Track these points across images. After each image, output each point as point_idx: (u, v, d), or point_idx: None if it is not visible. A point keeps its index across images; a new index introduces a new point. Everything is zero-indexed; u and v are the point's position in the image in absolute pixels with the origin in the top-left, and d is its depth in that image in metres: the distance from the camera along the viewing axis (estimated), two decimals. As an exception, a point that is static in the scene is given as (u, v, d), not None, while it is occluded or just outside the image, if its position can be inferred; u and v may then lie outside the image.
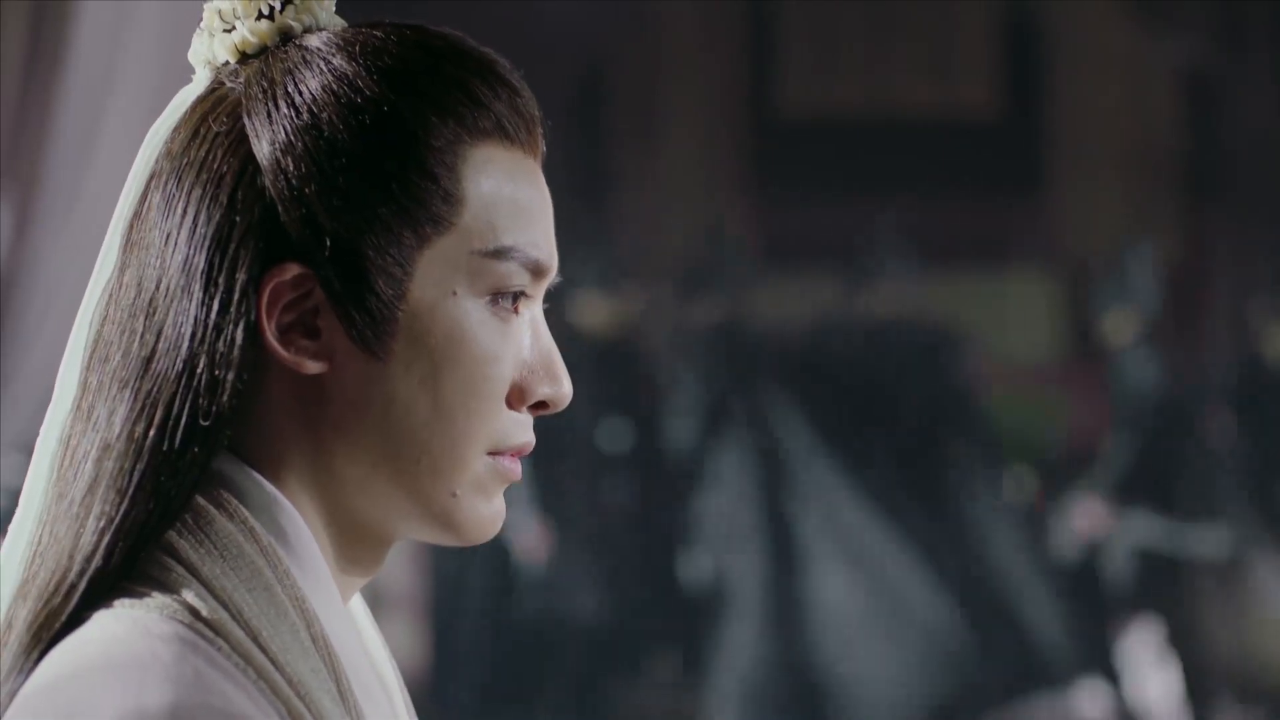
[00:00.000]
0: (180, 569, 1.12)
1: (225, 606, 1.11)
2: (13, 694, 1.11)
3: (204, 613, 1.10)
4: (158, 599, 1.11)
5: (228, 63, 1.22)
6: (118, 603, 1.11)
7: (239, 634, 1.10)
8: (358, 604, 1.27)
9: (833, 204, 13.34)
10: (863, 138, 13.29)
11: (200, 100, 1.21)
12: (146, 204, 1.19)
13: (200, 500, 1.14)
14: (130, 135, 5.32)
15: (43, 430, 1.21)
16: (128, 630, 1.09)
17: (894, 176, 13.21)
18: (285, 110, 1.17)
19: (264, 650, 1.11)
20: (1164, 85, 13.17)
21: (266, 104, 1.17)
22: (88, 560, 1.13)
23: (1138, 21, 12.97)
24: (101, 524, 1.14)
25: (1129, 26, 13.06)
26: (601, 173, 12.83)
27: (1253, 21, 12.23)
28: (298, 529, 1.17)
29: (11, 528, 1.20)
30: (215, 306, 1.15)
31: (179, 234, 1.17)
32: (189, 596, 1.11)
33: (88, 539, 1.14)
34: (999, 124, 13.33)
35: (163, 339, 1.16)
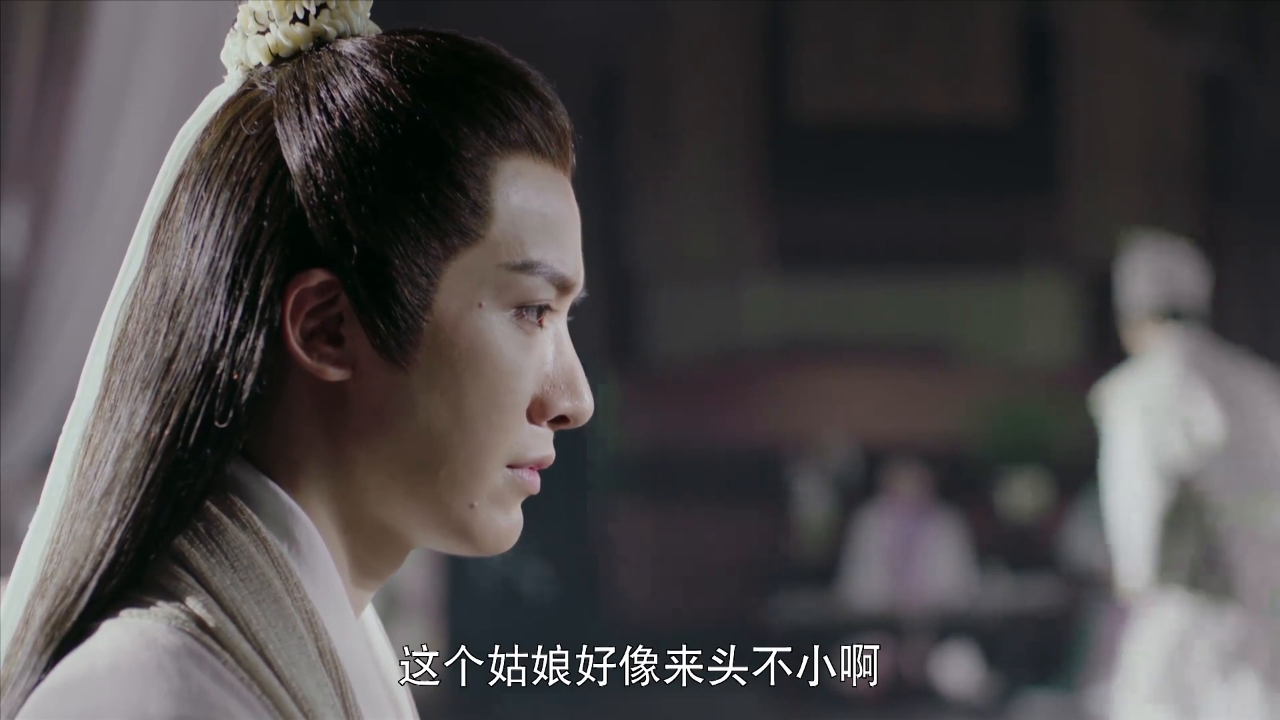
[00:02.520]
0: (189, 578, 1.12)
1: (233, 618, 1.11)
2: (25, 693, 1.11)
3: (210, 624, 1.10)
4: (165, 609, 1.11)
5: (260, 65, 1.21)
6: (125, 612, 1.11)
7: (245, 647, 1.10)
8: (369, 615, 1.27)
9: (848, 208, 13.33)
10: (878, 141, 13.29)
11: (232, 102, 1.21)
12: (175, 204, 1.19)
13: (213, 508, 1.14)
14: (147, 138, 5.32)
15: (65, 427, 1.21)
16: (134, 640, 1.09)
17: (910, 180, 13.20)
18: (317, 116, 1.16)
19: (270, 664, 1.10)
20: (1179, 88, 13.16)
21: (298, 109, 1.17)
22: (99, 558, 1.13)
23: (1153, 25, 12.94)
24: (113, 523, 1.14)
25: (1144, 30, 13.04)
26: (617, 175, 12.84)
27: (1268, 24, 12.21)
28: (311, 539, 1.17)
29: (33, 524, 1.21)
30: (239, 310, 1.15)
31: (206, 236, 1.17)
32: (196, 607, 1.11)
33: (101, 538, 1.14)
34: (1014, 127, 13.33)
35: (185, 341, 1.16)
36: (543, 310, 1.20)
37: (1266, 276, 12.42)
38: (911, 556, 10.66)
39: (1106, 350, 13.43)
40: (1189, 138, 13.26)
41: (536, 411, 1.20)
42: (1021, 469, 11.91)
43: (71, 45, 5.60)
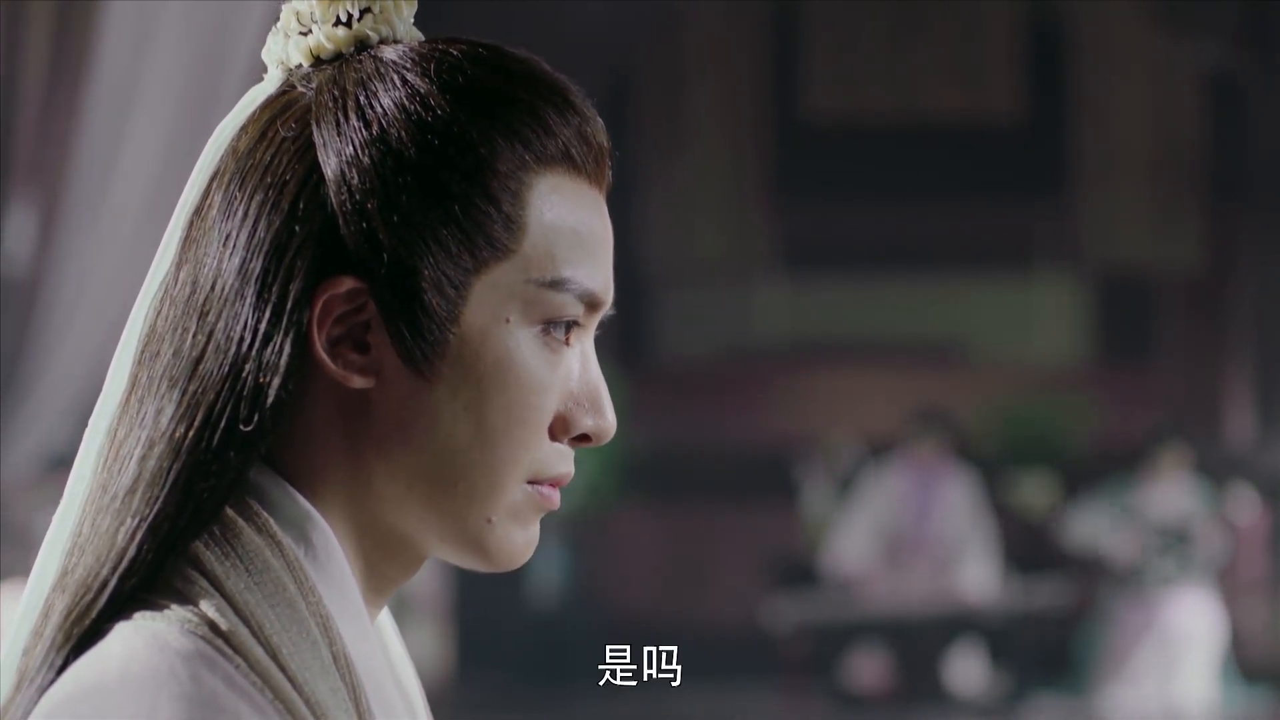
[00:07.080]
0: (203, 581, 1.12)
1: (246, 622, 1.10)
2: (41, 690, 1.11)
3: (223, 627, 1.10)
4: (178, 612, 1.10)
5: (300, 65, 1.21)
6: (138, 614, 1.11)
7: (258, 651, 1.10)
8: (384, 619, 1.26)
9: (857, 208, 13.33)
10: (887, 142, 13.29)
11: (270, 102, 1.20)
12: (208, 201, 1.19)
13: (229, 512, 1.14)
14: (154, 140, 5.32)
15: (92, 419, 1.21)
16: (146, 644, 1.09)
17: (919, 181, 13.20)
18: (355, 122, 1.16)
19: (283, 669, 1.10)
20: (1189, 90, 13.15)
21: (336, 113, 1.17)
22: (120, 557, 1.13)
23: (1162, 26, 12.94)
24: (136, 522, 1.14)
25: (1153, 31, 13.03)
26: (626, 175, 12.83)
27: (1277, 25, 12.20)
28: (328, 544, 1.16)
29: (56, 515, 1.21)
30: (267, 314, 1.15)
31: (238, 237, 1.16)
32: (209, 610, 1.10)
33: (123, 537, 1.14)
34: (1023, 128, 13.33)
35: (213, 341, 1.16)
36: (570, 327, 1.19)
37: (1274, 276, 12.42)
38: (926, 510, 10.57)
39: (1115, 350, 13.44)
40: (1198, 138, 13.26)
41: (559, 428, 1.19)
42: (1031, 469, 11.91)
43: (79, 47, 5.60)
